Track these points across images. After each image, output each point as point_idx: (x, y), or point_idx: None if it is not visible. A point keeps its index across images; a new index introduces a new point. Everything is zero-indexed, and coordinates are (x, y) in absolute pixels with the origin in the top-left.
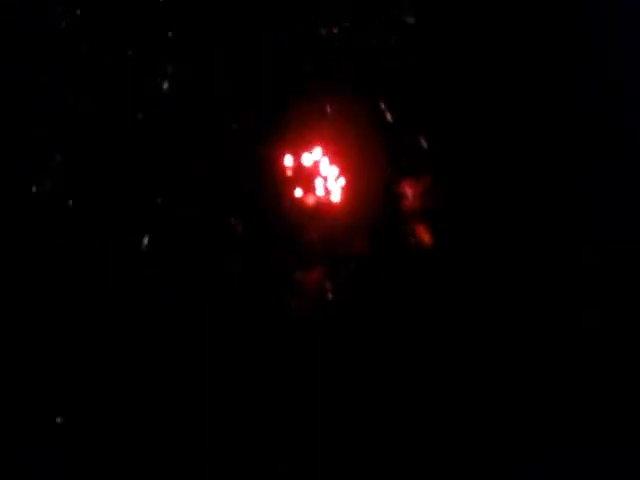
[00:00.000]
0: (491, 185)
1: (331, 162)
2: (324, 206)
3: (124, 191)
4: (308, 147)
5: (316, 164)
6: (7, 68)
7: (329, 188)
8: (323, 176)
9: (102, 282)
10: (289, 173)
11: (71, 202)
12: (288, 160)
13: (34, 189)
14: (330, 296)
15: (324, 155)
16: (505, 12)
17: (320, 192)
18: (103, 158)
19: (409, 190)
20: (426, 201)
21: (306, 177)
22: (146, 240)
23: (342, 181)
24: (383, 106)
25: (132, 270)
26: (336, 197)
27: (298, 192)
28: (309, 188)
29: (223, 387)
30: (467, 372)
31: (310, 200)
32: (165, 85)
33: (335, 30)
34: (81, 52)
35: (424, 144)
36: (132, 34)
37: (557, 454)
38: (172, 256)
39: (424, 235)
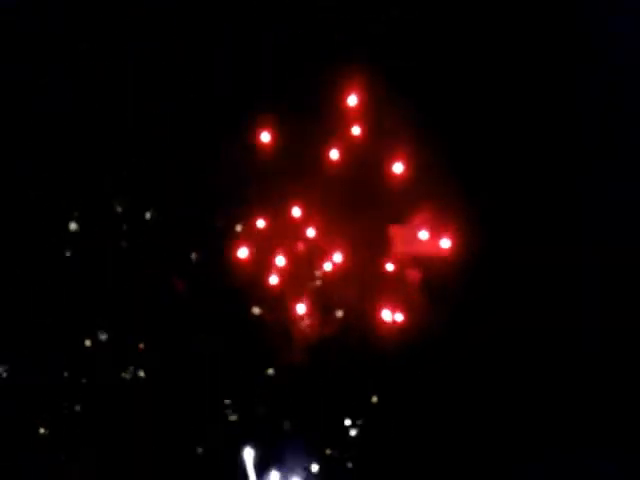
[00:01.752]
0: (491, 184)
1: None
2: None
3: (121, 192)
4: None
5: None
6: (7, 68)
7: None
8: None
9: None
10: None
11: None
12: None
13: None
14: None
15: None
16: (506, 13)
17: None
18: (102, 158)
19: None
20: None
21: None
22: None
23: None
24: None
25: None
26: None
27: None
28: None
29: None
30: (467, 373)
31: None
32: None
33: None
34: (81, 52)
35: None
36: (132, 34)
37: (557, 454)
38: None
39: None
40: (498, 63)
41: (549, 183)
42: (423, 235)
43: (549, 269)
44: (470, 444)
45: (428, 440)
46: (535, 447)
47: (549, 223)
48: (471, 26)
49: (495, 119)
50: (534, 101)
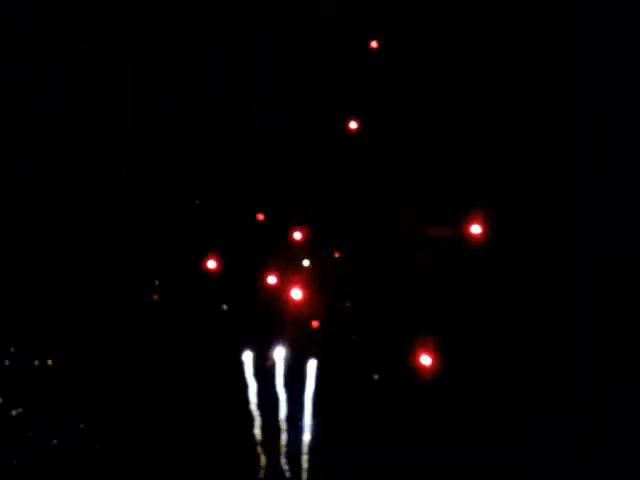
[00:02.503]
0: (491, 185)
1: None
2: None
3: (121, 192)
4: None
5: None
6: (7, 68)
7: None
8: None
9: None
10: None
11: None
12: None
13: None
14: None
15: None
16: (506, 13)
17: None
18: (102, 158)
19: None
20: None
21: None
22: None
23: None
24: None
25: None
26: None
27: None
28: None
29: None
30: (468, 374)
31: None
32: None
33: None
34: (81, 52)
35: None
36: (132, 34)
37: (557, 454)
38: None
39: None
40: (497, 63)
41: (549, 183)
42: (475, 229)
43: (549, 269)
44: (470, 446)
45: (429, 438)
46: (535, 447)
47: (548, 223)
48: (472, 27)
49: (495, 119)
50: (534, 101)
